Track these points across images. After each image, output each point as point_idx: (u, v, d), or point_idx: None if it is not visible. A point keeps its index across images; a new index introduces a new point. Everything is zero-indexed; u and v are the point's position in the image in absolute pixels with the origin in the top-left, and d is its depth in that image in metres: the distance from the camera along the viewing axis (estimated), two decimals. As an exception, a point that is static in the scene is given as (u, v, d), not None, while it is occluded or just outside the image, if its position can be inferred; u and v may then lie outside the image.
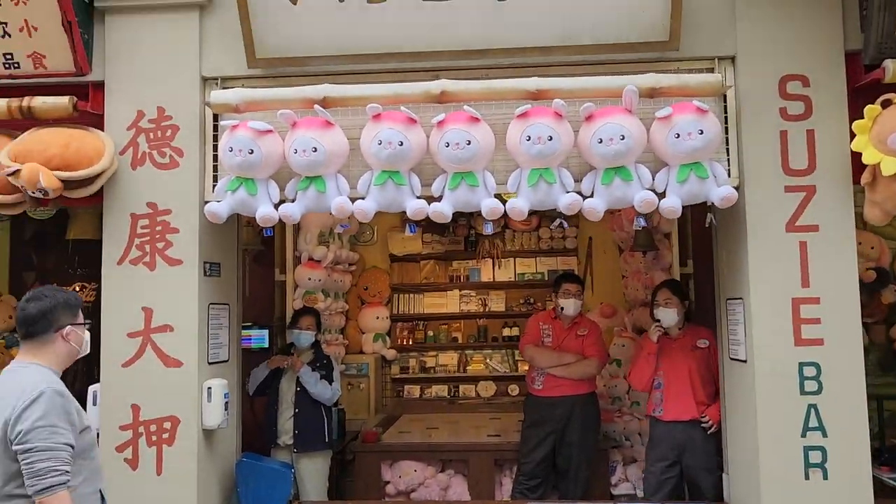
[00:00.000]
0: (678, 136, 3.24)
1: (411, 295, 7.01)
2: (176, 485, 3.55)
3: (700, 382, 4.05)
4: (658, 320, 4.18)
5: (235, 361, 4.04)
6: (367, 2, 3.42)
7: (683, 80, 3.38)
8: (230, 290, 4.01)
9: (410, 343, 6.97)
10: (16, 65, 3.69)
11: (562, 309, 4.62)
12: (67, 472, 2.32)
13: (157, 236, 3.66)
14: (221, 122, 3.55)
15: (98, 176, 3.57)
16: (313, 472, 4.65)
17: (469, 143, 3.29)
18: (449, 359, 6.90)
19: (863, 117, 3.18)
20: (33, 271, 6.75)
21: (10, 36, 3.62)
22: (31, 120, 3.61)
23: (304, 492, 4.51)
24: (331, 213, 3.48)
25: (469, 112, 3.30)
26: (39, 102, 3.59)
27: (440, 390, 6.80)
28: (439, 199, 3.43)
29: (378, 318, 6.62)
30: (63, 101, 3.58)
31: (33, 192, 3.46)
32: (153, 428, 3.58)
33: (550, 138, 3.26)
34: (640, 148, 3.31)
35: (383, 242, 6.86)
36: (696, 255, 5.15)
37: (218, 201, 3.51)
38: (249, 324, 5.11)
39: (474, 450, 4.93)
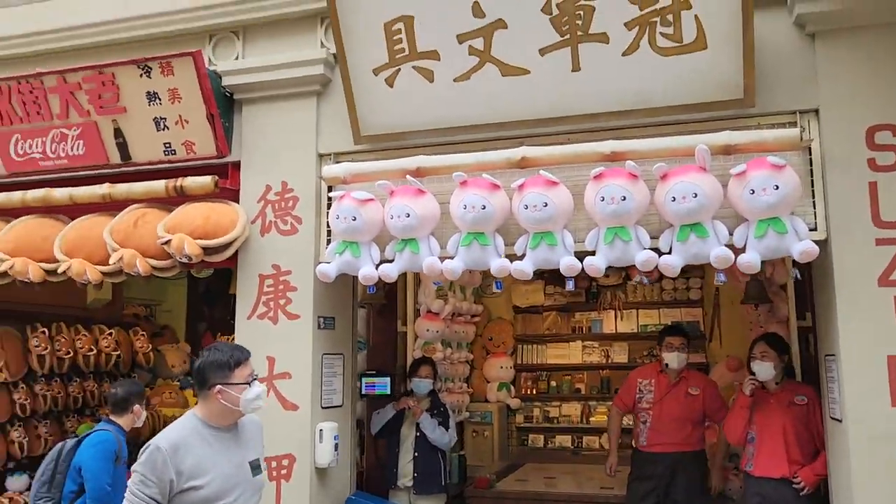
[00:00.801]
0: (753, 192, 3.23)
1: (535, 345, 7.14)
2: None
3: (795, 440, 3.85)
4: (754, 373, 4.05)
5: (349, 406, 4.40)
6: (454, 80, 3.75)
7: (760, 136, 3.38)
8: (345, 342, 4.40)
9: (534, 393, 7.07)
10: (173, 151, 4.38)
11: (666, 364, 4.58)
12: None
13: (280, 294, 4.14)
14: (331, 193, 3.99)
15: (232, 243, 4.13)
16: (430, 513, 4.88)
17: (546, 205, 3.48)
18: (572, 409, 6.91)
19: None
20: (204, 322, 7.67)
21: (168, 129, 4.32)
22: (183, 196, 4.27)
23: (421, 532, 4.77)
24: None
25: (545, 176, 3.50)
26: (189, 182, 4.24)
27: (564, 440, 6.82)
28: (522, 257, 3.62)
29: (502, 367, 6.80)
30: (207, 181, 4.20)
31: (180, 258, 4.07)
32: (274, 465, 4.00)
33: (624, 198, 3.37)
34: (715, 205, 3.33)
35: (507, 294, 7.07)
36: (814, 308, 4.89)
37: (328, 262, 3.93)
38: (373, 371, 5.49)
39: (581, 500, 4.94)
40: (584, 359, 6.99)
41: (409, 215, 3.69)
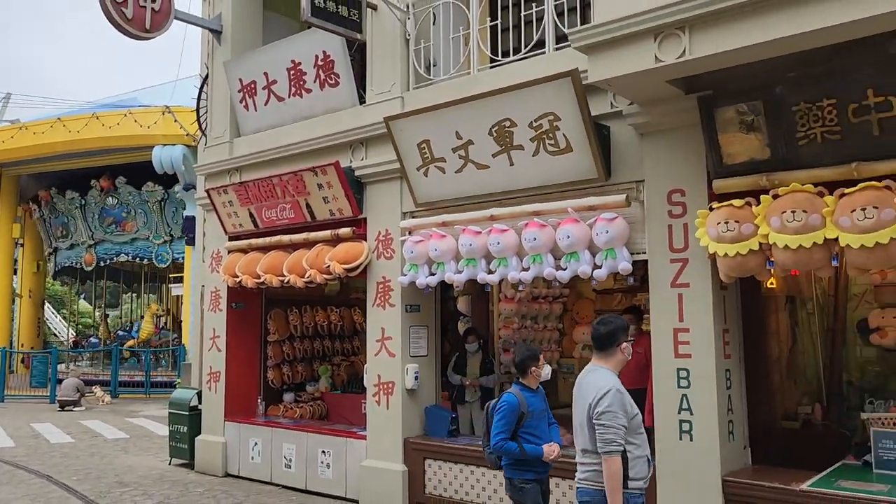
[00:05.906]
0: (598, 234, 5.34)
1: (611, 317, 9.11)
2: (393, 417, 6.85)
3: None
4: None
5: (433, 356, 7.14)
6: (455, 172, 6.28)
7: (606, 200, 5.44)
8: (427, 319, 7.15)
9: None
10: (333, 214, 7.49)
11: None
12: (620, 443, 3.39)
13: (385, 292, 7.04)
14: (401, 238, 6.78)
15: (360, 265, 7.13)
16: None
17: (498, 243, 5.90)
18: (635, 364, 8.81)
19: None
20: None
21: (329, 202, 7.43)
22: (338, 239, 7.37)
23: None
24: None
25: (498, 227, 5.91)
26: (341, 231, 7.34)
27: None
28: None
29: (584, 333, 8.90)
30: (348, 230, 7.27)
31: (336, 274, 7.18)
32: (384, 388, 6.96)
33: (535, 238, 5.67)
34: (584, 242, 5.46)
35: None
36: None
37: (404, 276, 6.73)
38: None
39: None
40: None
41: (436, 250, 6.35)
